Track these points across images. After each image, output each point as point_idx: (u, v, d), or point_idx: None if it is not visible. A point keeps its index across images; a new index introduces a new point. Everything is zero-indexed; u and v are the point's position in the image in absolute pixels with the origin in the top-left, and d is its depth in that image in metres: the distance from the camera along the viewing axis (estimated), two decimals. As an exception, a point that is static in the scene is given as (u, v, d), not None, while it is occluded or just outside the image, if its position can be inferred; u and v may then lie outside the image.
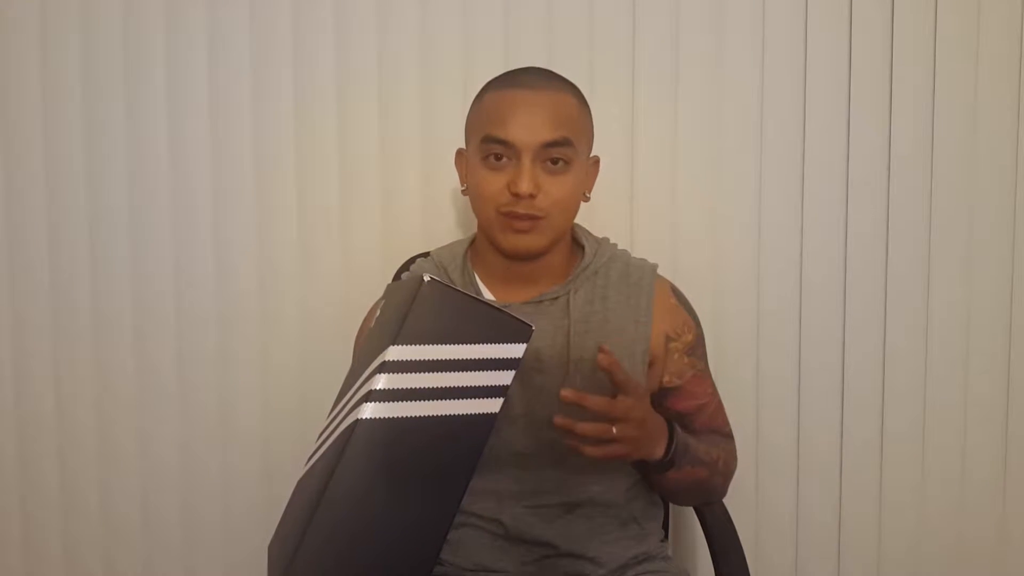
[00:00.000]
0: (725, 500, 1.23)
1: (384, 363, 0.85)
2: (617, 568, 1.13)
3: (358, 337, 1.23)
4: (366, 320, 1.22)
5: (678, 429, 1.06)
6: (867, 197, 1.51)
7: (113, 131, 1.45)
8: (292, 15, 1.44)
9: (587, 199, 1.16)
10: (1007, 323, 1.54)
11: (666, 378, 1.15)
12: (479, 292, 1.16)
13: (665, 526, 1.30)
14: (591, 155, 1.17)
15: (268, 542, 1.03)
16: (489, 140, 1.07)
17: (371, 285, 1.37)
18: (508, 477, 1.11)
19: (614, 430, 0.92)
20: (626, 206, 1.49)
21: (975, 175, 1.52)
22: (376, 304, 1.13)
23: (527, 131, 1.05)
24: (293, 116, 1.45)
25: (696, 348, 1.17)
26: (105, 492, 1.50)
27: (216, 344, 1.48)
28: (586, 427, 0.91)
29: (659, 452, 1.02)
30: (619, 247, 1.21)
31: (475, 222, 1.16)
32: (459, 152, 1.18)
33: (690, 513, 1.45)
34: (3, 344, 1.48)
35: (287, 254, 1.47)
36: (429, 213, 1.48)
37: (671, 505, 1.36)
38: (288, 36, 1.44)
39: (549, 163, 1.07)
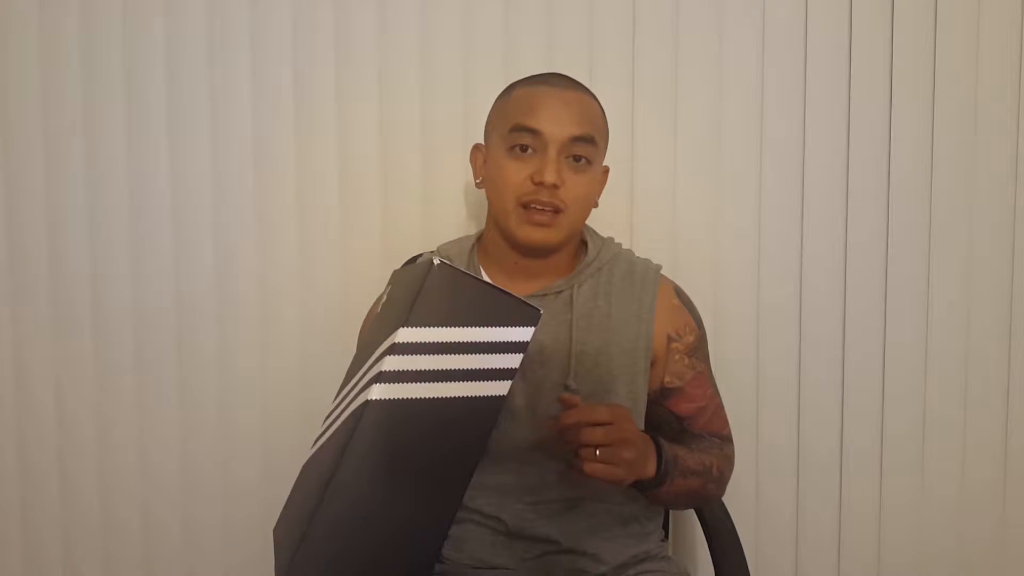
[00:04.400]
0: (725, 500, 1.23)
1: (394, 345, 0.85)
2: (617, 566, 1.13)
3: (361, 331, 1.23)
4: (370, 313, 1.22)
5: (665, 444, 1.05)
6: (868, 197, 1.51)
7: (113, 131, 1.45)
8: (292, 15, 1.44)
9: (596, 205, 1.17)
10: (1007, 323, 1.54)
11: (667, 379, 1.15)
12: None
13: (665, 526, 1.30)
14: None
15: (268, 544, 1.02)
16: (518, 129, 1.08)
17: (371, 286, 1.37)
18: (509, 471, 1.11)
19: (597, 449, 0.93)
20: (626, 206, 1.49)
21: (975, 176, 1.52)
22: (379, 297, 1.13)
23: (556, 123, 1.08)
24: (293, 116, 1.45)
25: (697, 349, 1.17)
26: (105, 493, 1.50)
27: (216, 345, 1.48)
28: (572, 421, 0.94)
29: (651, 470, 1.02)
30: (623, 247, 1.21)
31: (477, 222, 1.16)
32: (476, 147, 1.19)
33: (690, 513, 1.45)
34: (3, 344, 1.48)
35: (287, 255, 1.47)
36: (429, 214, 1.48)
37: (671, 506, 1.36)
38: (288, 36, 1.44)
39: (572, 159, 1.09)
